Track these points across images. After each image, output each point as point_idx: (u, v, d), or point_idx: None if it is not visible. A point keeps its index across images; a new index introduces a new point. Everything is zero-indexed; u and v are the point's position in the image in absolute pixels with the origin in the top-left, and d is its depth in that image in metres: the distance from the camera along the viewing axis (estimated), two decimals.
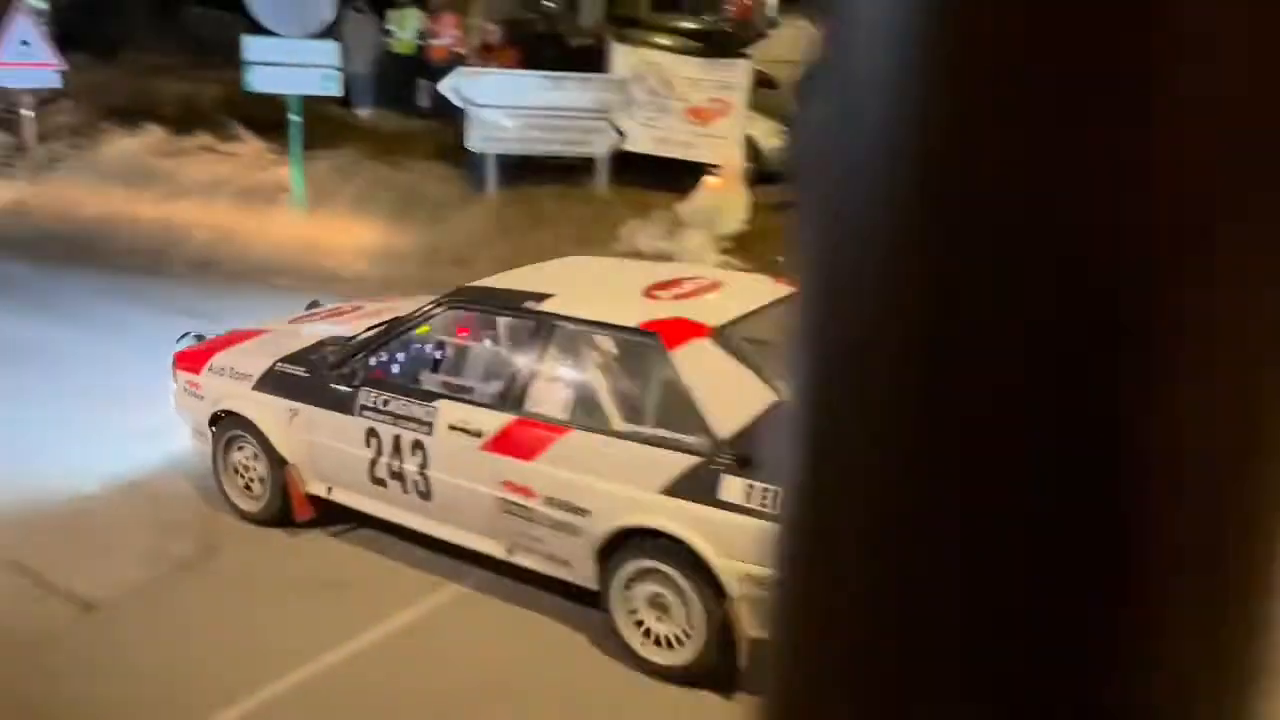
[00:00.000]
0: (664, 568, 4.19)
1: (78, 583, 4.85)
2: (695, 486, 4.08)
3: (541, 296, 4.84)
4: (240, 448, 5.51)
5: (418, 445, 4.85)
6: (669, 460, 4.18)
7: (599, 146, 11.01)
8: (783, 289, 4.61)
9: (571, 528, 4.42)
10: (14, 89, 13.11)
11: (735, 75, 10.79)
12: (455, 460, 4.75)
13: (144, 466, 5.98)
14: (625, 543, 4.29)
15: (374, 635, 4.48)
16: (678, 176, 10.80)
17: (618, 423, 4.43)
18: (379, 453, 4.99)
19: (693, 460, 4.12)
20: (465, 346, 5.30)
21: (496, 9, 13.38)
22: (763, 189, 11.38)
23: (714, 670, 4.13)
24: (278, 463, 5.35)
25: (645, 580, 4.27)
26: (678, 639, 4.22)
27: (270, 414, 5.38)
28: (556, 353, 4.69)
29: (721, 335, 4.45)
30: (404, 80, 14.29)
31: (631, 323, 4.55)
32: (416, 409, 4.87)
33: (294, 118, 10.96)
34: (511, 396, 4.69)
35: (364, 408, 5.04)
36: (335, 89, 11.05)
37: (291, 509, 5.36)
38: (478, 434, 4.66)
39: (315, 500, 5.38)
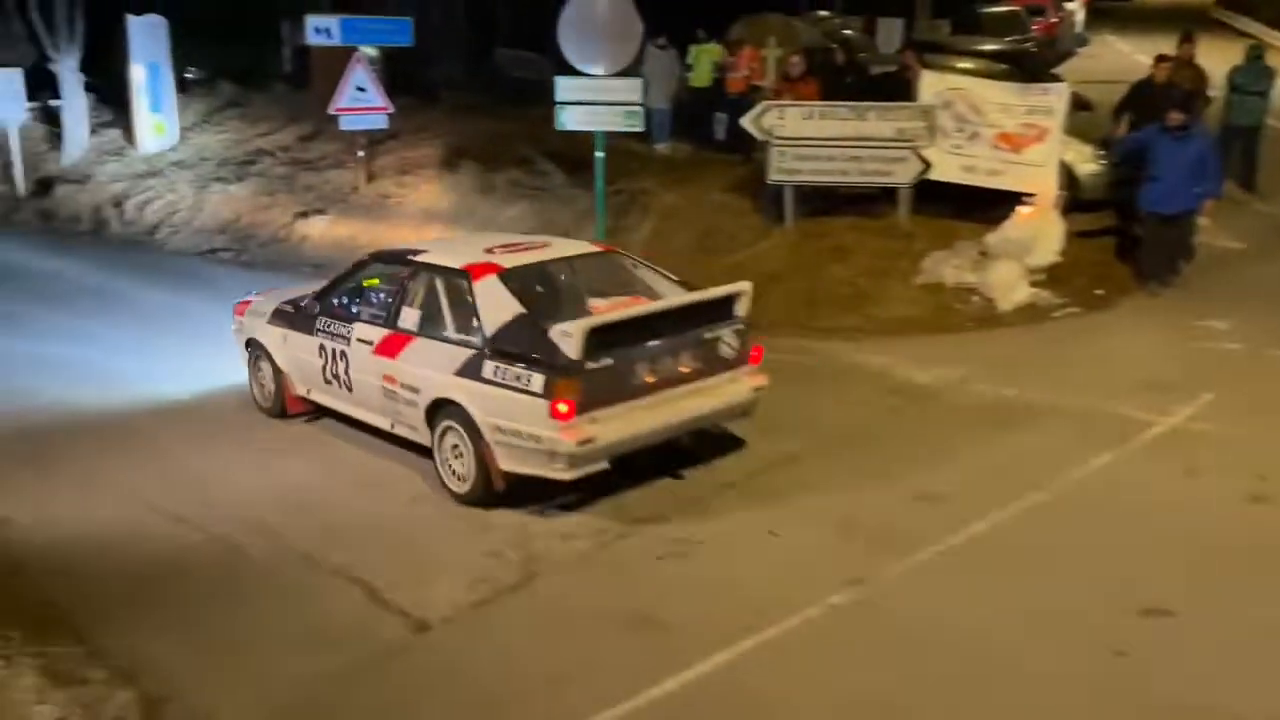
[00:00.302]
0: (455, 425, 6.23)
1: (410, 601, 5.10)
2: (471, 369, 6.13)
3: (418, 252, 7.09)
4: (259, 365, 7.90)
5: (343, 354, 7.05)
6: (460, 353, 6.24)
7: (901, 176, 10.68)
8: (589, 247, 7.60)
9: (413, 403, 6.51)
10: (351, 131, 14.31)
11: (1052, 99, 10.18)
12: (359, 363, 6.91)
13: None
14: (438, 410, 6.34)
15: (690, 676, 4.42)
16: (981, 206, 10.34)
17: (442, 331, 6.48)
18: (326, 360, 7.20)
19: (471, 352, 6.16)
20: (375, 287, 7.21)
21: (795, 40, 13.32)
22: (1077, 217, 10.73)
23: (485, 495, 6.10)
24: (278, 372, 7.70)
25: (448, 435, 6.31)
26: (465, 476, 6.23)
27: (272, 338, 7.71)
28: (415, 287, 6.79)
29: (508, 274, 6.44)
30: (701, 114, 14.52)
31: (457, 265, 6.60)
32: (342, 329, 7.08)
33: (599, 154, 11.32)
34: (389, 317, 6.82)
35: (318, 330, 7.26)
36: (639, 125, 11.32)
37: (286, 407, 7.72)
38: (370, 343, 6.81)
39: (304, 401, 7.62)
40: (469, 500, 6.19)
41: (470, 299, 6.31)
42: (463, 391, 6.12)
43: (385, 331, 6.74)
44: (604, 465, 5.97)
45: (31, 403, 8.19)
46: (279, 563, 5.64)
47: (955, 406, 7.64)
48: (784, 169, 10.89)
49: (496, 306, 6.19)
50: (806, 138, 10.81)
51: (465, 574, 5.35)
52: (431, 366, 6.35)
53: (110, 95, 20.70)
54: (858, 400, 7.81)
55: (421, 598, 5.12)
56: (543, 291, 6.73)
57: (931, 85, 10.79)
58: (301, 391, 7.61)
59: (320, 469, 6.90)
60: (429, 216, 13.40)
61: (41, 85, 21.48)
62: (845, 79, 12.84)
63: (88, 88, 21.09)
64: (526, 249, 7.01)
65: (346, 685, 4.48)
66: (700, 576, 5.34)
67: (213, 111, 19.66)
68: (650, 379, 6.14)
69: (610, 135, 11.51)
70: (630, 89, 11.12)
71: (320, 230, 14.17)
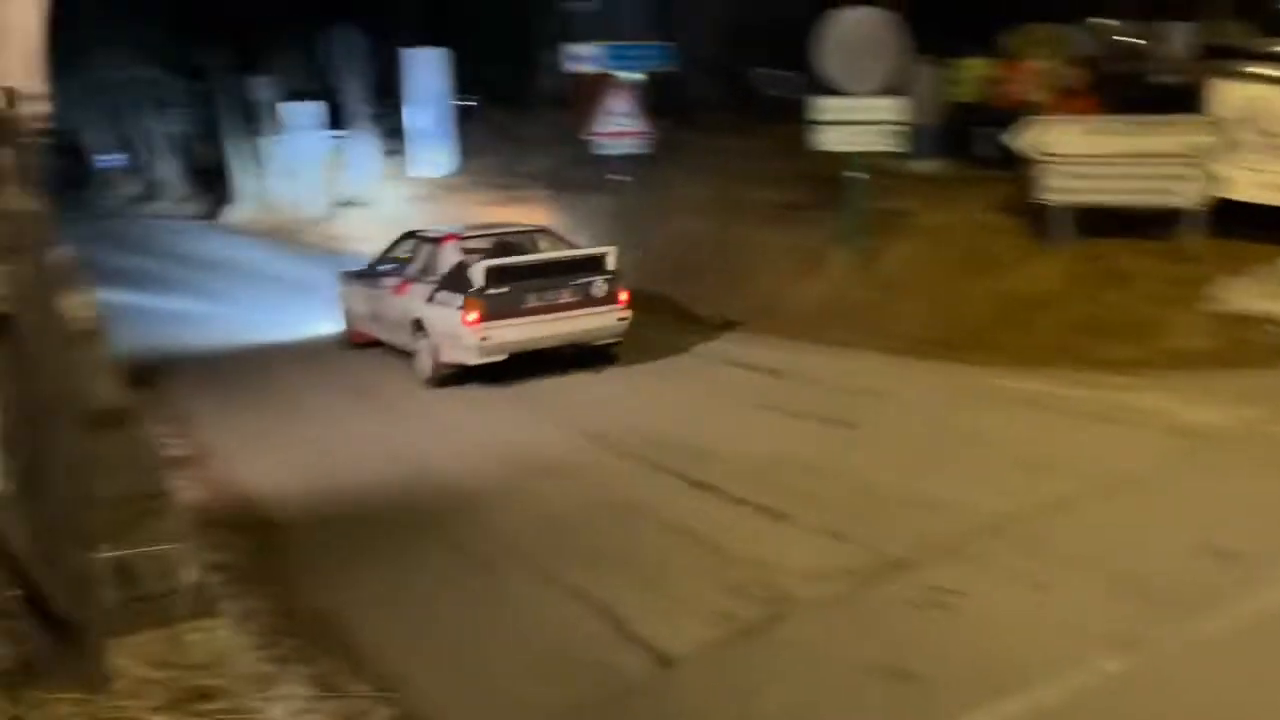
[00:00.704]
0: (424, 335, 9.72)
1: (651, 632, 5.05)
2: (431, 299, 9.64)
3: (425, 230, 11.02)
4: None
5: (378, 298, 10.75)
6: (428, 289, 9.76)
7: (1188, 196, 9.80)
8: (527, 225, 11.68)
9: (404, 324, 10.08)
10: (612, 156, 14.64)
11: None
12: (386, 303, 10.57)
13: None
14: (417, 327, 9.85)
15: None
16: None
17: (425, 277, 9.97)
18: (370, 304, 10.98)
19: (432, 287, 9.70)
20: (400, 253, 10.94)
21: (1071, 51, 12.52)
22: None
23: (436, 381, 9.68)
24: (347, 316, 11.71)
25: (422, 343, 9.82)
26: (426, 369, 9.78)
27: (346, 293, 11.68)
28: (419, 251, 10.46)
29: (462, 240, 10.25)
30: (966, 130, 13.90)
31: (437, 237, 10.41)
32: (379, 282, 10.79)
33: (855, 175, 11.04)
34: (405, 271, 10.41)
35: (366, 283, 11.07)
36: (900, 144, 10.97)
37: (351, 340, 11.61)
38: (391, 289, 10.44)
39: (361, 335, 11.39)
40: (431, 384, 9.78)
41: (438, 256, 10.11)
42: (426, 312, 9.80)
43: (399, 280, 10.46)
44: (502, 357, 9.37)
45: None
46: (512, 568, 5.75)
47: (1251, 451, 6.86)
48: (1057, 188, 10.25)
49: (449, 260, 9.92)
50: (1082, 154, 10.13)
51: (708, 608, 5.25)
52: (416, 299, 9.97)
53: (396, 125, 22.18)
54: (1138, 440, 7.17)
55: (663, 630, 5.06)
56: (484, 251, 10.18)
57: (1228, 95, 9.85)
58: (358, 328, 11.41)
59: (577, 489, 7.01)
60: (680, 238, 13.49)
61: (340, 117, 23.34)
62: (1126, 91, 11.93)
63: (376, 118, 22.71)
64: (488, 227, 11.29)
65: None
66: (958, 628, 5.00)
67: (484, 138, 20.66)
68: (536, 304, 9.46)
69: (869, 153, 11.22)
70: (892, 108, 10.79)
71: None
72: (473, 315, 9.08)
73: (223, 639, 2.97)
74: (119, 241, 22.62)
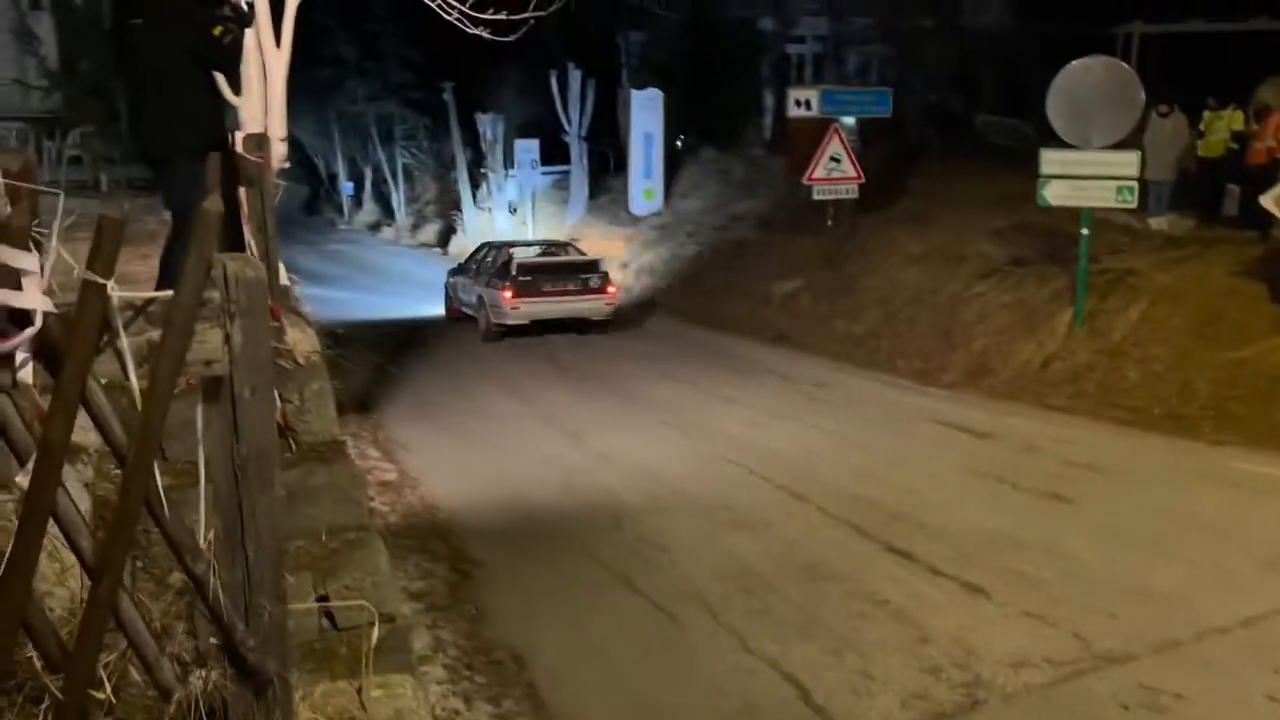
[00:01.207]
0: (484, 307, 15.29)
1: (842, 710, 4.85)
2: (490, 284, 15.19)
3: (498, 241, 18.04)
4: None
5: (473, 288, 15.88)
6: (489, 278, 15.45)
7: None
8: (562, 240, 19.45)
9: (475, 302, 15.77)
10: (823, 200, 14.49)
11: None
12: (471, 288, 16.06)
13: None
14: (480, 304, 15.46)
15: None
16: None
17: (491, 270, 15.62)
18: (467, 293, 16.27)
19: (491, 276, 15.41)
20: (482, 255, 16.80)
21: None
22: None
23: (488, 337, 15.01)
24: (448, 298, 17.48)
25: (480, 310, 15.54)
26: (484, 330, 15.38)
27: (449, 283, 17.53)
28: (491, 254, 16.34)
29: (517, 248, 16.54)
30: (1209, 187, 13.03)
31: (502, 244, 17.10)
32: (468, 275, 16.52)
33: (1084, 231, 10.47)
34: (480, 268, 16.17)
35: (462, 275, 16.90)
36: (1132, 200, 10.35)
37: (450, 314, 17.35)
38: (470, 277, 16.32)
39: (458, 310, 16.84)
40: (485, 339, 14.81)
41: (498, 258, 15.52)
42: (485, 292, 15.04)
43: (477, 272, 15.91)
44: (525, 321, 14.45)
45: None
46: (696, 620, 5.66)
47: None
48: None
49: (502, 259, 15.20)
50: None
51: (900, 686, 5.01)
52: (481, 284, 15.33)
53: (611, 162, 22.74)
54: None
55: (854, 708, 4.85)
56: (529, 256, 15.91)
57: None
58: (453, 305, 16.87)
59: (770, 543, 6.86)
60: (892, 288, 13.17)
61: (555, 154, 24.09)
62: None
63: (591, 154, 23.33)
64: (536, 242, 17.98)
65: None
66: None
67: (696, 177, 20.87)
68: (549, 290, 14.47)
69: (1099, 208, 10.63)
70: (1124, 163, 10.20)
71: (783, 292, 14.50)
72: (509, 293, 14.31)
73: (407, 697, 3.01)
74: (349, 262, 24.10)
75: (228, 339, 1.98)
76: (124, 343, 2.00)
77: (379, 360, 12.36)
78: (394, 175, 34.11)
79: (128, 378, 2.11)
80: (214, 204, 1.95)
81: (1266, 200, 9.77)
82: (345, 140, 35.45)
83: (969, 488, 7.70)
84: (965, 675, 5.10)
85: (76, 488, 3.04)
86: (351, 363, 8.61)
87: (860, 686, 5.04)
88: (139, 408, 1.99)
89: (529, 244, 17.38)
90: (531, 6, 5.63)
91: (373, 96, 32.42)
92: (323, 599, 3.95)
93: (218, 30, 4.93)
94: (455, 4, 6.65)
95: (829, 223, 14.67)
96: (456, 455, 9.11)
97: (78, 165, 10.88)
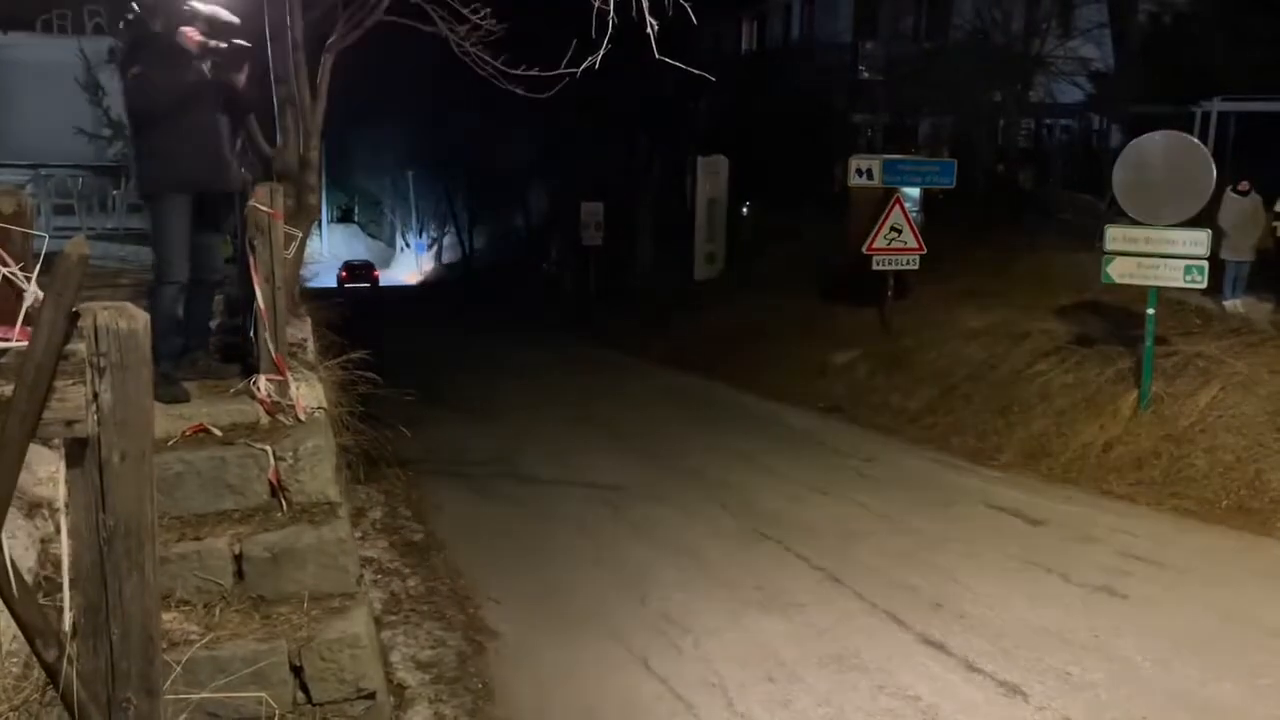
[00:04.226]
0: None
1: None
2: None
3: None
4: None
5: None
6: None
7: None
8: None
9: None
10: (881, 270, 14.19)
11: None
12: None
13: None
14: None
15: None
16: None
17: None
18: None
19: None
20: None
21: None
22: None
23: None
24: None
25: None
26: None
27: None
28: None
29: None
30: None
31: None
32: None
33: (1150, 310, 10.03)
34: None
35: None
36: (1202, 280, 9.90)
37: None
38: None
39: None
40: None
41: None
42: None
43: None
44: None
45: None
46: None
47: None
48: None
49: None
50: None
51: None
52: None
53: (677, 226, 22.75)
54: None
55: None
56: None
57: None
58: None
59: (796, 622, 6.49)
60: (950, 363, 12.77)
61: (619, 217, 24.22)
62: None
63: (657, 218, 23.40)
64: None
65: None
66: None
67: (758, 244, 20.75)
68: None
69: (1168, 288, 10.21)
70: (1193, 241, 9.79)
71: (839, 363, 14.21)
72: None
73: None
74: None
75: (95, 397, 1.79)
76: None
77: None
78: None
79: None
80: (76, 247, 1.79)
81: None
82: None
83: (1017, 578, 7.25)
84: None
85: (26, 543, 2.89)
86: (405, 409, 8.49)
87: None
88: None
89: None
90: (564, 64, 5.52)
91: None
92: (297, 670, 3.75)
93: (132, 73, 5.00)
94: (490, 60, 6.59)
95: (889, 294, 14.36)
96: (489, 518, 8.90)
97: (139, 213, 11.03)
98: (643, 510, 8.94)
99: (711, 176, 21.60)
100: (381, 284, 42.70)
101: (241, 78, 5.23)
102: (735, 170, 21.82)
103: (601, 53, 4.94)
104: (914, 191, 15.29)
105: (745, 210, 23.02)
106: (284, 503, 4.15)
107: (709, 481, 9.82)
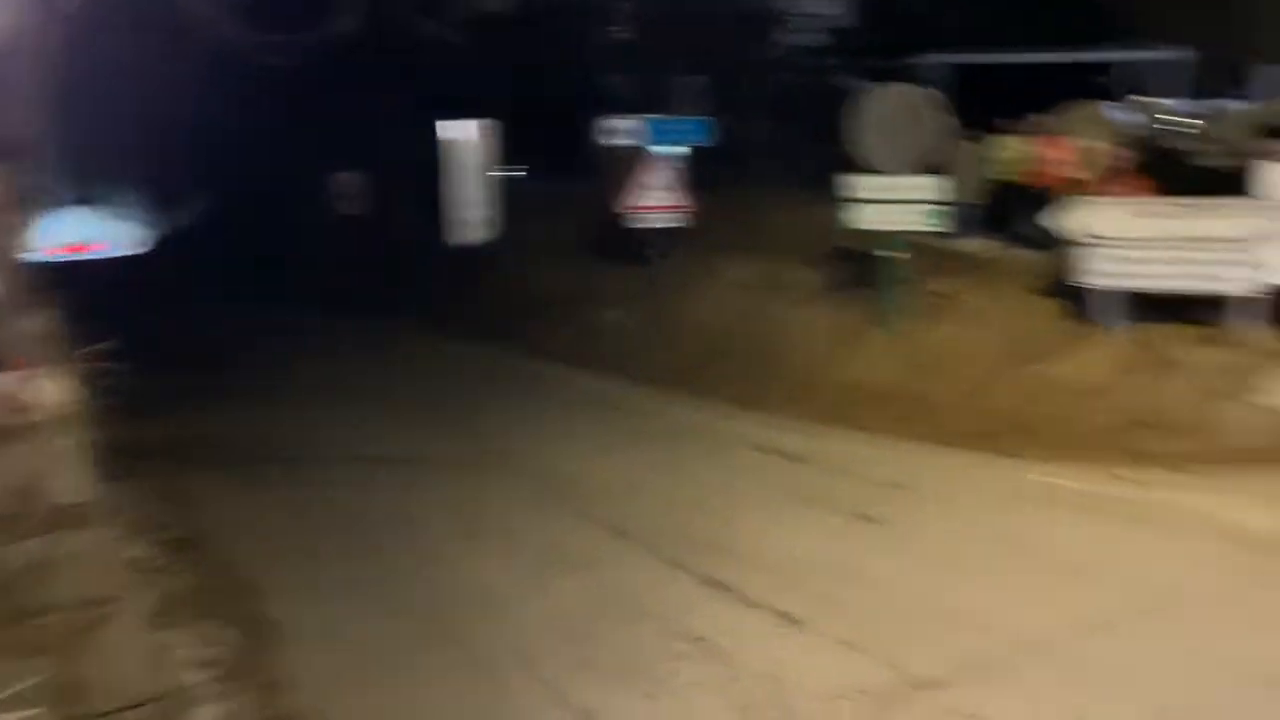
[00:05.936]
0: None
1: None
2: None
3: None
4: None
5: None
6: None
7: (1238, 283, 9.38)
8: None
9: None
10: (646, 229, 14.47)
11: None
12: None
13: None
14: None
15: None
16: None
17: None
18: None
19: None
20: None
21: (1120, 130, 12.16)
22: None
23: None
24: None
25: None
26: None
27: None
28: None
29: None
30: (1008, 210, 13.57)
31: None
32: None
33: (891, 254, 10.73)
34: None
35: None
36: (940, 225, 10.66)
37: None
38: None
39: None
40: None
41: None
42: None
43: None
44: None
45: None
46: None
47: None
48: (1101, 271, 9.88)
49: None
50: (1129, 237, 9.76)
51: None
52: None
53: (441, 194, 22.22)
54: (1179, 550, 6.70)
55: None
56: None
57: None
58: None
59: (590, 585, 6.63)
60: (714, 315, 13.21)
61: None
62: (1175, 172, 11.55)
63: (420, 187, 22.82)
64: None
65: None
66: None
67: (522, 208, 20.74)
68: None
69: (909, 232, 10.94)
70: (932, 186, 10.51)
71: (613, 321, 14.46)
72: None
73: None
74: None
75: None
76: None
77: None
78: None
79: None
80: None
81: (1057, 220, 10.23)
82: None
83: (784, 514, 7.67)
84: (779, 713, 5.03)
85: None
86: None
87: None
88: None
89: None
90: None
91: None
92: (69, 683, 3.55)
93: None
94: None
95: (650, 252, 14.66)
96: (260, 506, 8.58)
97: None
98: (434, 479, 8.86)
99: (474, 141, 21.37)
100: (105, 257, 39.08)
101: None
102: (506, 136, 21.65)
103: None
104: (672, 150, 15.60)
105: (513, 175, 22.88)
106: (37, 508, 3.89)
107: (500, 449, 9.78)
